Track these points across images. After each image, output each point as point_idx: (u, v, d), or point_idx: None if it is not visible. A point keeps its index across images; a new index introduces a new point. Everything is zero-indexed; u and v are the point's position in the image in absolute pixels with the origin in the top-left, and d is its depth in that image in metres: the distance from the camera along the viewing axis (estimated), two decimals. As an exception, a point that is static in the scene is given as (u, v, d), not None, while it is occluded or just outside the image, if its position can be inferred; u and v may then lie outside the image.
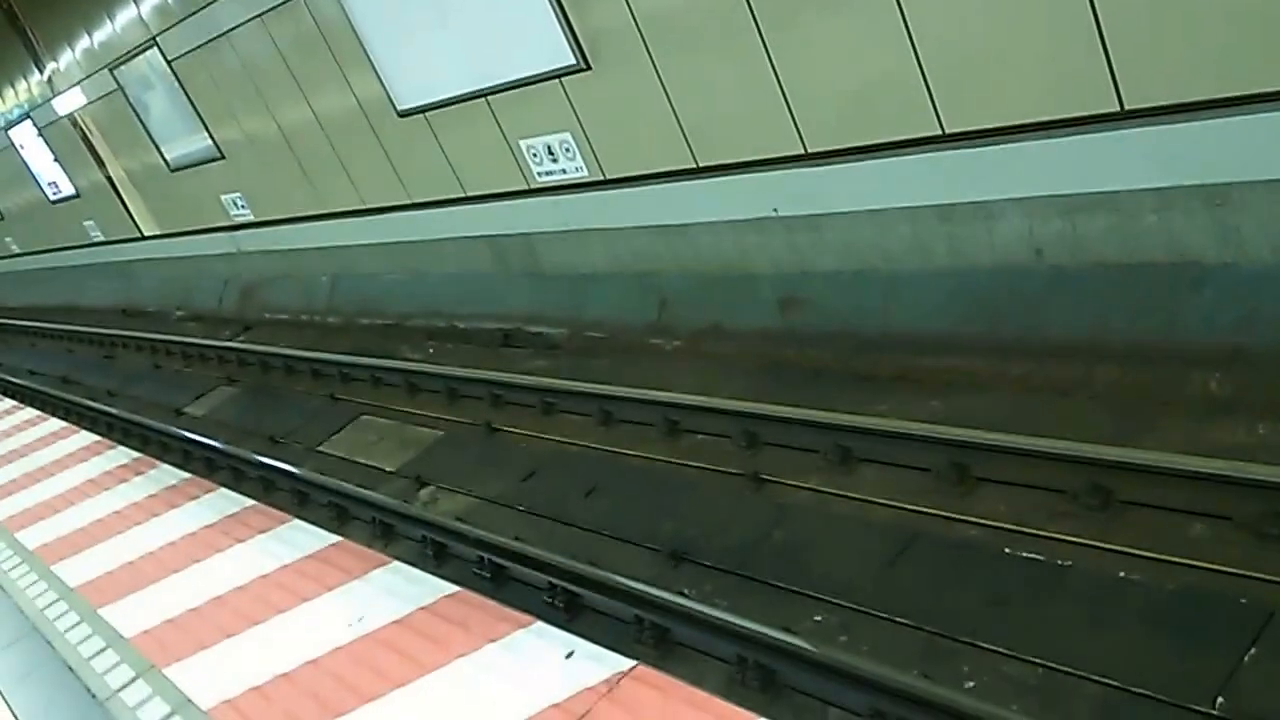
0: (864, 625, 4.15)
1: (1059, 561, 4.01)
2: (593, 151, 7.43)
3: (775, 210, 6.35)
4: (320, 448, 8.40)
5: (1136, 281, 4.84)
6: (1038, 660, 3.63)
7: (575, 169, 7.66)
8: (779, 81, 5.87)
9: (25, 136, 17.43)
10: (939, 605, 4.08)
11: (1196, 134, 4.28)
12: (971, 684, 3.65)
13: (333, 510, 6.83)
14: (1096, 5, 4.38)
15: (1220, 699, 3.22)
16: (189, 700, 4.25)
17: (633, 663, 3.60)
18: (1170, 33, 4.27)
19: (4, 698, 4.86)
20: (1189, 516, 3.88)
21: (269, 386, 10.69)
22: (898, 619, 4.10)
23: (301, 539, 5.39)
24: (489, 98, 7.86)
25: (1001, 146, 5.00)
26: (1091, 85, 4.54)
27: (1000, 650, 3.74)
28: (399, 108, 8.74)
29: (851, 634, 4.11)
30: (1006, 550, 4.18)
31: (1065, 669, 3.56)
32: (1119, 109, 4.49)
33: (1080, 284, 5.05)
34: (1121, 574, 3.83)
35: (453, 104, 8.19)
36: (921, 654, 3.88)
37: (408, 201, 9.88)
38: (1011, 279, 5.35)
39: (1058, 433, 4.42)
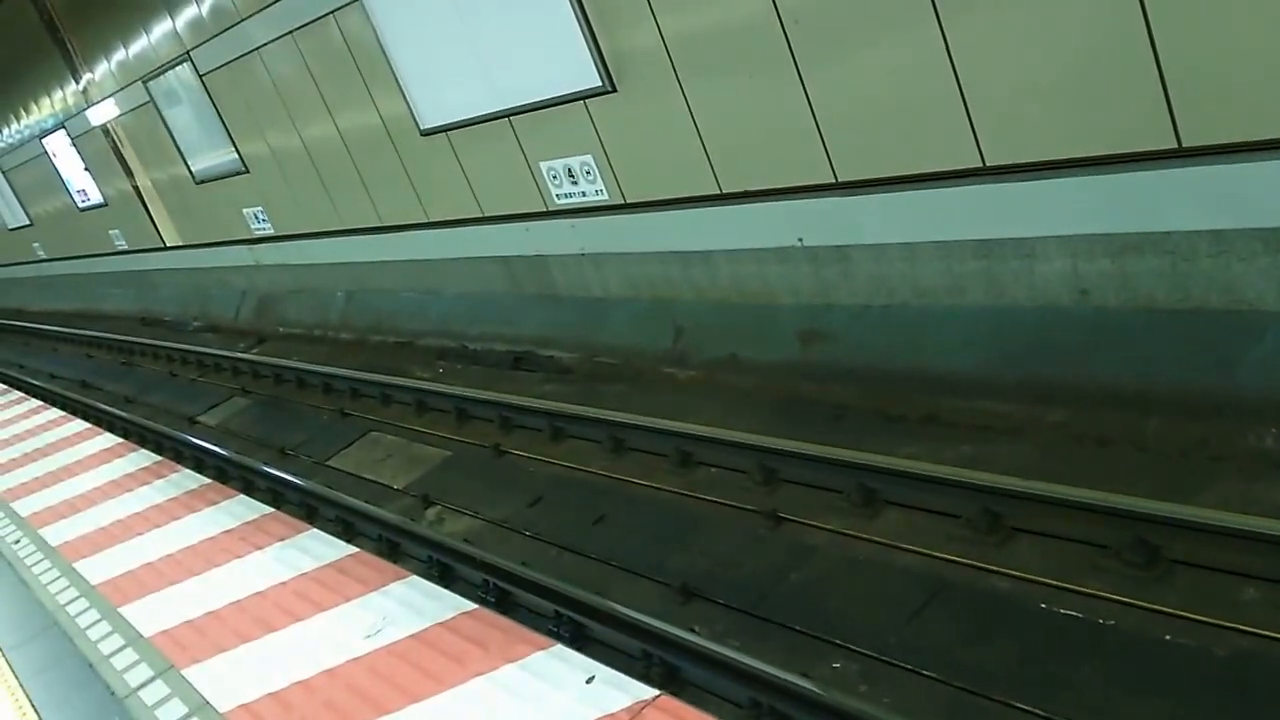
0: (886, 675, 3.86)
1: (1099, 620, 3.70)
2: (614, 174, 7.20)
3: (800, 240, 6.10)
4: (329, 462, 8.26)
5: (1188, 327, 4.52)
6: (1075, 725, 3.31)
7: (595, 192, 7.43)
8: (811, 108, 5.61)
9: (59, 145, 17.46)
10: (967, 659, 3.77)
11: (1259, 175, 3.98)
12: (1001, 745, 3.35)
13: (340, 525, 6.72)
14: (1156, 40, 4.09)
15: (1271, 775, 2.92)
16: (207, 702, 4.15)
17: (656, 692, 3.36)
18: (1233, 70, 3.98)
19: (24, 689, 4.80)
20: (1242, 579, 3.58)
21: (281, 399, 10.57)
22: (923, 671, 3.80)
23: (320, 548, 5.25)
24: (512, 118, 7.70)
25: (1046, 182, 4.71)
26: (1148, 122, 4.24)
27: (1034, 711, 3.43)
28: (422, 127, 8.59)
29: (872, 684, 3.82)
30: (1042, 605, 3.87)
31: (1104, 735, 3.24)
32: (1176, 146, 4.18)
33: (1127, 328, 4.75)
34: (1167, 637, 3.53)
35: (475, 124, 8.03)
36: (947, 710, 3.60)
37: (425, 220, 9.72)
38: (1053, 320, 5.05)
39: (1099, 484, 4.11)
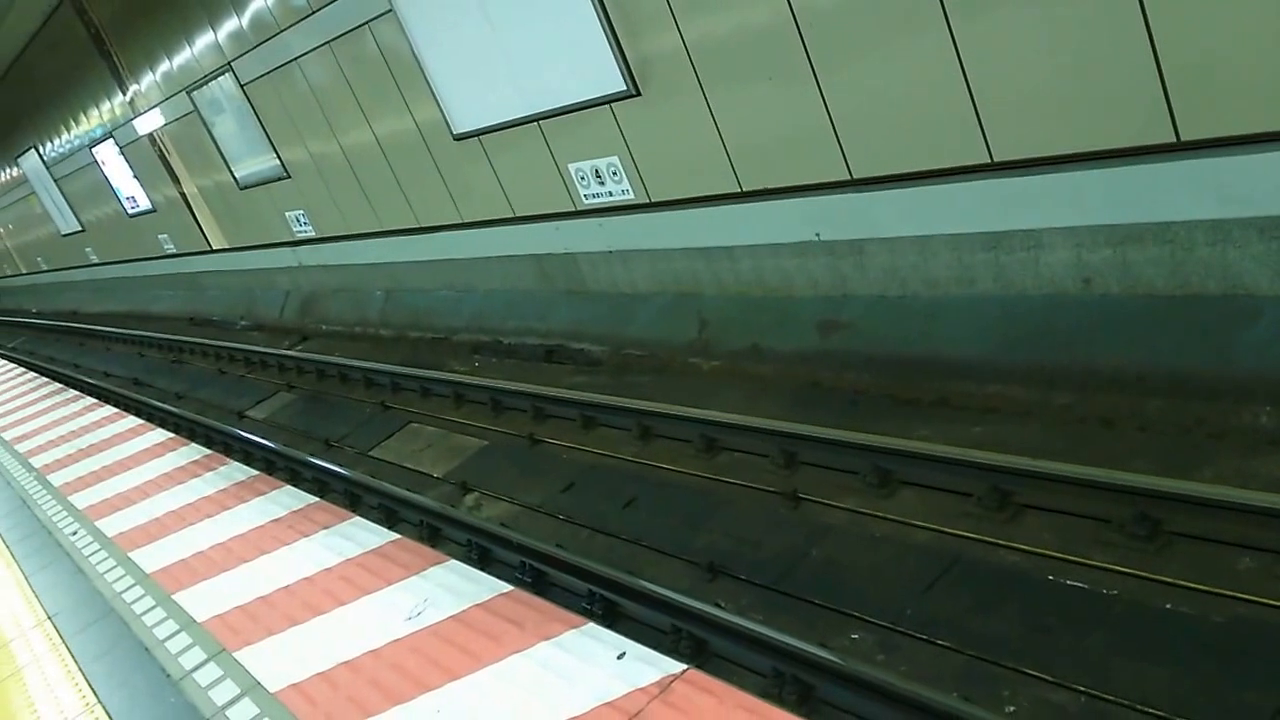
0: (902, 645, 3.92)
1: (1104, 591, 3.75)
2: (639, 175, 7.26)
3: (818, 235, 6.15)
4: (371, 453, 8.34)
5: (1187, 313, 4.57)
6: (1081, 688, 3.38)
7: (621, 191, 7.49)
8: (827, 109, 5.67)
9: (108, 154, 17.64)
10: (979, 629, 3.84)
11: (1254, 166, 4.03)
12: (1012, 709, 3.41)
13: (383, 512, 6.79)
14: (1155, 38, 4.14)
15: (1268, 733, 2.95)
16: (258, 683, 4.19)
17: (684, 666, 3.39)
18: (1228, 65, 4.02)
19: (83, 673, 4.84)
20: (1238, 549, 3.62)
21: (324, 394, 10.66)
22: (937, 641, 3.86)
23: (362, 535, 5.26)
24: (541, 122, 7.76)
25: (1051, 176, 4.77)
26: (1148, 117, 4.29)
27: (1042, 676, 3.49)
28: (455, 131, 8.66)
29: (889, 653, 3.89)
30: (1050, 577, 3.92)
31: (1109, 698, 3.31)
32: (1175, 140, 4.23)
33: (1129, 314, 4.78)
34: (1168, 605, 3.57)
35: (506, 128, 8.11)
36: (961, 676, 3.64)
37: (459, 221, 9.80)
38: (1058, 308, 5.09)
39: (1103, 463, 4.16)
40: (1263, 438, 4.09)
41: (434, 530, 6.27)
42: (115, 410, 10.91)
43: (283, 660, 4.29)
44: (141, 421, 9.98)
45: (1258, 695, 3.10)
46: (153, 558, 5.91)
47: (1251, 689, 3.13)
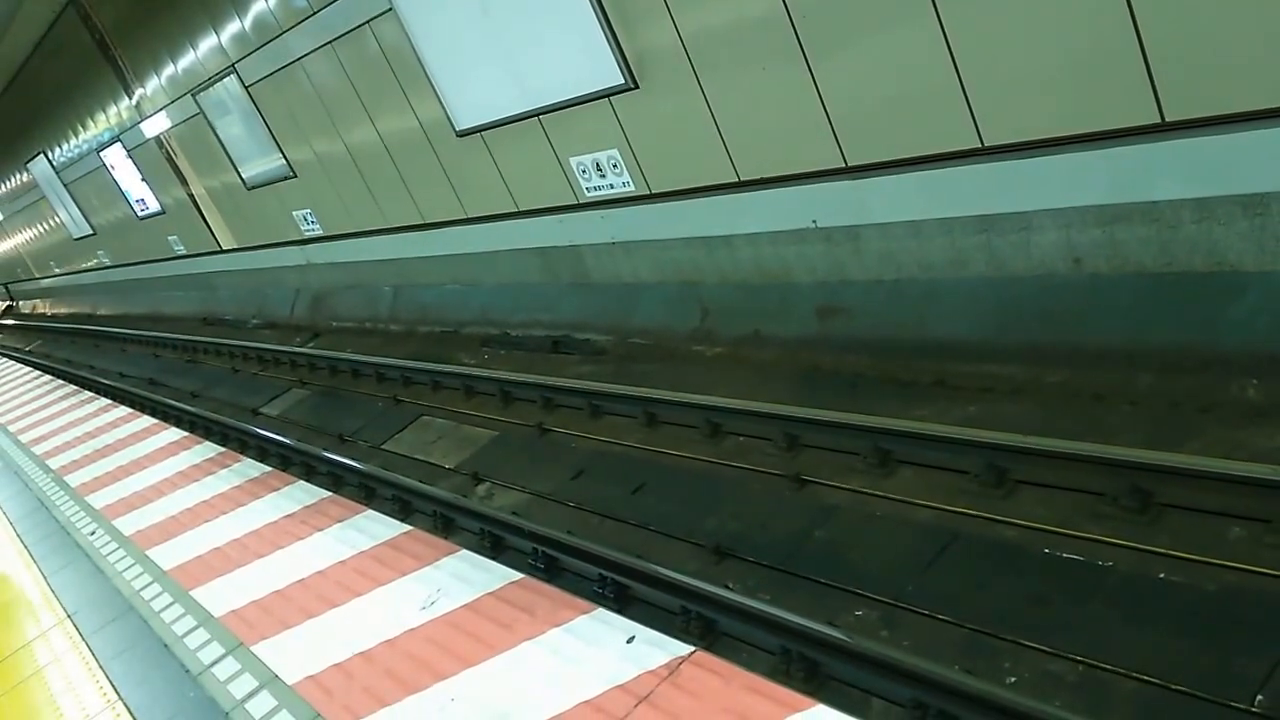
0: (905, 621, 3.97)
1: (1099, 562, 3.80)
2: (639, 167, 7.30)
3: (814, 222, 6.20)
4: (384, 446, 8.38)
5: (1175, 289, 4.60)
6: (1079, 657, 3.43)
7: (622, 184, 7.53)
8: (821, 98, 5.71)
9: (116, 157, 17.65)
10: (979, 603, 3.88)
11: (1236, 145, 4.07)
12: (1013, 679, 3.46)
13: (397, 504, 6.84)
14: (1138, 21, 4.17)
15: (1260, 696, 3.01)
16: (276, 676, 4.25)
17: (691, 649, 3.47)
18: (1210, 47, 4.06)
19: (104, 671, 4.90)
20: (1228, 519, 3.67)
21: (337, 389, 10.70)
22: (939, 615, 3.91)
23: (375, 527, 5.35)
24: (541, 117, 7.79)
25: (1040, 159, 4.81)
26: (1132, 98, 4.33)
27: (1041, 647, 3.54)
28: (457, 128, 8.68)
29: (893, 629, 3.94)
30: (1046, 551, 3.97)
31: (1106, 666, 3.35)
32: (1160, 120, 4.27)
33: (1118, 292, 4.82)
34: (1161, 575, 3.62)
35: (507, 124, 8.12)
36: (963, 649, 3.69)
37: (464, 216, 9.84)
38: (1049, 287, 5.12)
39: (1096, 438, 4.21)
40: (1249, 410, 4.13)
41: (447, 520, 6.32)
42: (130, 410, 11.00)
43: (299, 653, 4.36)
44: (156, 421, 10.07)
45: (1250, 661, 3.14)
46: (170, 555, 5.98)
47: (1244, 655, 3.17)
